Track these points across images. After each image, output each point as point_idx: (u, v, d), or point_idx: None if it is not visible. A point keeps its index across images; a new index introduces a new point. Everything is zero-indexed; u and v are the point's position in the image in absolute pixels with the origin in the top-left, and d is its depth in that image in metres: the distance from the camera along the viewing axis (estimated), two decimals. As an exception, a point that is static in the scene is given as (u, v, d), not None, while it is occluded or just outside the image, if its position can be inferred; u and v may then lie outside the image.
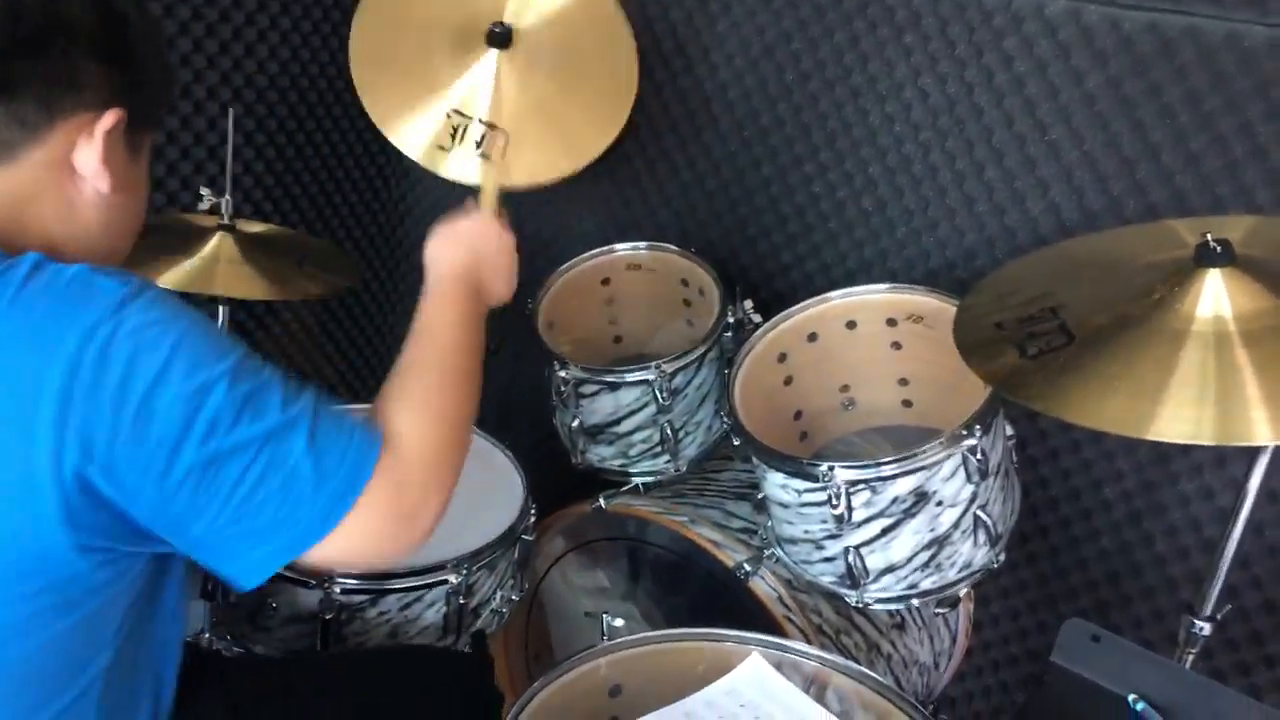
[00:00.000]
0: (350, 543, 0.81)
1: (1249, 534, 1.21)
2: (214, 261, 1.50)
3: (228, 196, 1.54)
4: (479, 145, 1.45)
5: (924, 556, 1.29)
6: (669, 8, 1.88)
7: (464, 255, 1.13)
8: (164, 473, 0.75)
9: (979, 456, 1.24)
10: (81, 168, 0.84)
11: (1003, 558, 1.32)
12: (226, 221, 1.54)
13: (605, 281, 1.76)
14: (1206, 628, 1.23)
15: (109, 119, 0.84)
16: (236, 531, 0.78)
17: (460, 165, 1.51)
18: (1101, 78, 1.50)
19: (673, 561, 1.57)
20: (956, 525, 1.28)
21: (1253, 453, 1.18)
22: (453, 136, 1.52)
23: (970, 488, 1.27)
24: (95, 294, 0.76)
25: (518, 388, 2.21)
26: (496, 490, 1.47)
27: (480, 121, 1.48)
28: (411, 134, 1.55)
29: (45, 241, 0.84)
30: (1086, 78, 1.51)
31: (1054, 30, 1.52)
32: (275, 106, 2.00)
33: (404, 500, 0.84)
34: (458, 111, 1.53)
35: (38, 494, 0.73)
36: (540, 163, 1.54)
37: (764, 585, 1.43)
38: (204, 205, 1.52)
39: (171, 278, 1.45)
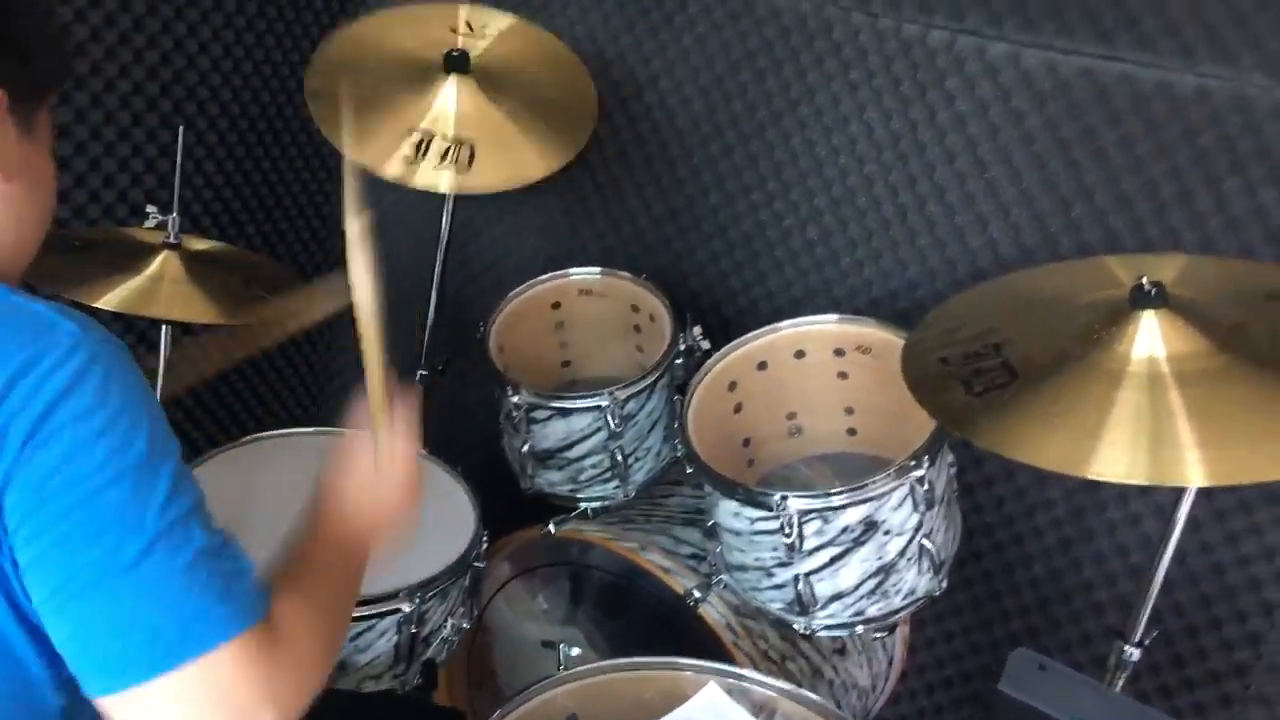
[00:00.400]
0: (169, 701, 0.73)
1: (1173, 561, 1.27)
2: (158, 281, 1.47)
3: (174, 214, 1.51)
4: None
5: (871, 584, 1.32)
6: (619, 34, 1.90)
7: (368, 509, 1.02)
8: (42, 518, 0.71)
9: (925, 487, 1.28)
10: None
11: (945, 584, 1.36)
12: (173, 240, 1.51)
13: (556, 305, 1.76)
14: (1136, 653, 1.28)
15: None
16: (75, 622, 0.73)
17: (428, 176, 1.53)
18: (1039, 119, 1.57)
19: (620, 587, 1.58)
20: (902, 553, 1.31)
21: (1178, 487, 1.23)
22: (417, 150, 1.54)
23: (916, 516, 1.30)
24: (50, 329, 0.73)
25: (460, 408, 2.20)
26: (447, 516, 1.46)
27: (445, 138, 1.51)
28: (377, 156, 1.55)
29: None
30: (1025, 119, 1.58)
31: (995, 72, 1.58)
32: (225, 133, 1.98)
33: (248, 687, 0.75)
34: (420, 129, 1.55)
35: None
36: (501, 172, 1.56)
37: (713, 612, 1.45)
38: (150, 223, 1.49)
39: (114, 297, 1.42)
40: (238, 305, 1.51)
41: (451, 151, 1.54)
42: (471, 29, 1.67)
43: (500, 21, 1.72)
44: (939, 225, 1.68)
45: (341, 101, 1.17)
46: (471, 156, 1.55)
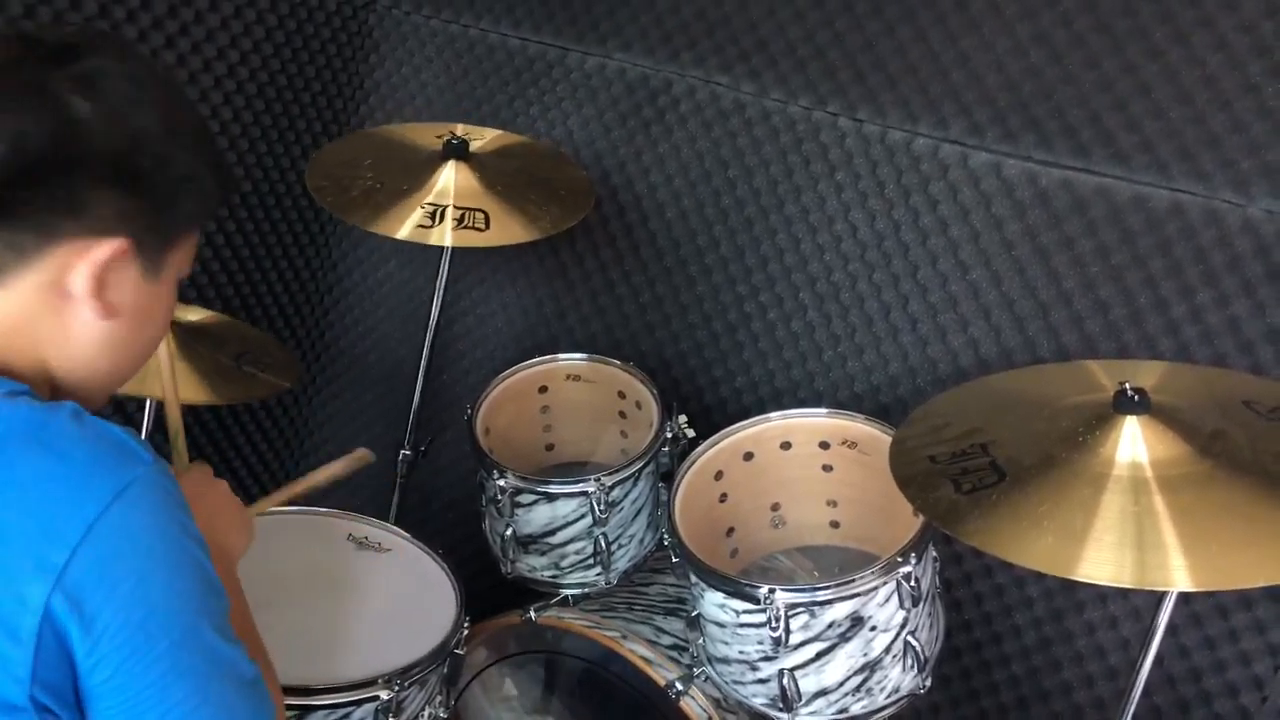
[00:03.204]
0: None
1: (1151, 665, 1.28)
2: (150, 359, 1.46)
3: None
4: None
5: (856, 681, 1.32)
6: (611, 128, 1.95)
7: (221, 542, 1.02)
8: (131, 658, 0.73)
9: (912, 583, 1.29)
10: (73, 292, 0.80)
11: (929, 682, 1.36)
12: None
13: (543, 389, 1.77)
14: (1118, 758, 1.28)
15: (106, 249, 0.79)
16: None
17: (445, 236, 1.59)
18: (1019, 226, 1.62)
19: (600, 676, 1.56)
20: (888, 650, 1.31)
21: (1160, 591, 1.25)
22: (432, 218, 1.59)
23: (902, 613, 1.31)
24: (132, 456, 0.75)
25: (439, 489, 2.19)
26: (428, 601, 1.44)
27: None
28: (391, 227, 1.60)
29: (40, 367, 0.81)
30: (1006, 225, 1.63)
31: (977, 180, 1.64)
32: (228, 195, 1.99)
33: None
34: (429, 203, 1.60)
35: (14, 636, 0.70)
36: (501, 230, 1.62)
37: (694, 705, 1.44)
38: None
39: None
40: (227, 381, 1.50)
41: (467, 217, 1.59)
42: (467, 135, 1.74)
43: (491, 133, 1.80)
44: (921, 323, 1.72)
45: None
46: (487, 220, 1.60)
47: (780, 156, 1.82)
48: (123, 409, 1.88)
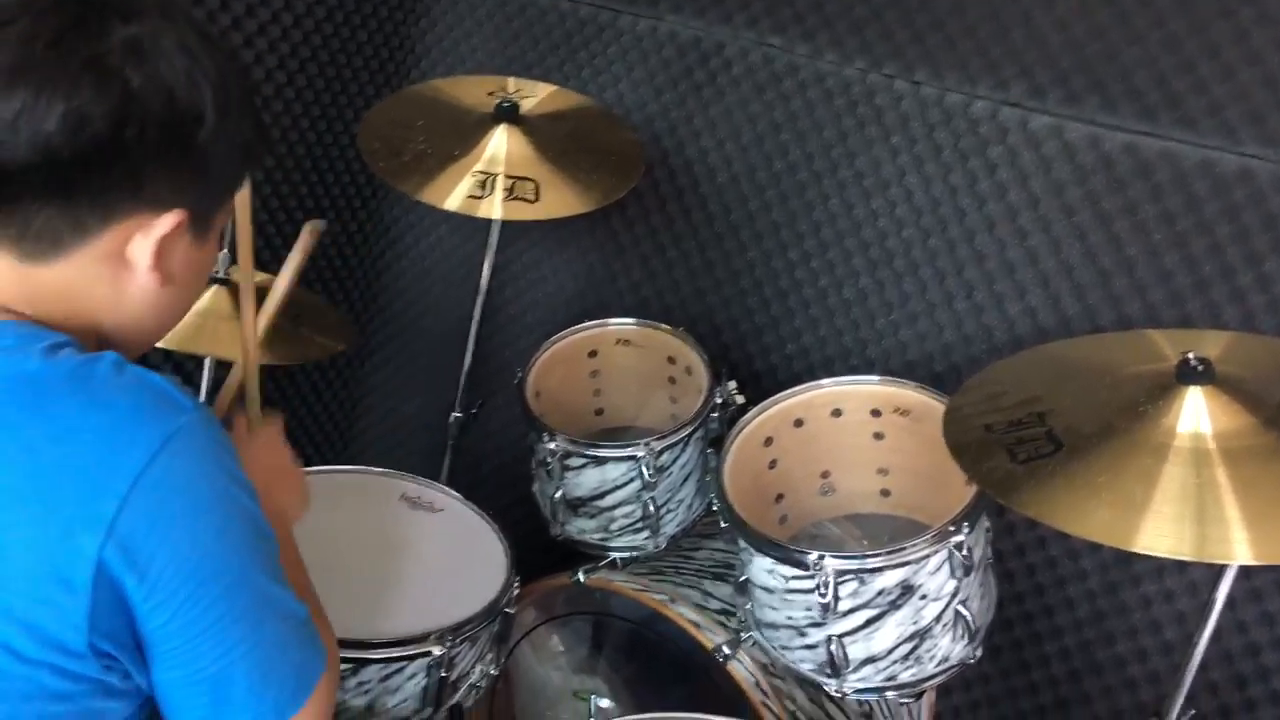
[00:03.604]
0: None
1: (1208, 639, 1.26)
2: (206, 316, 1.48)
3: (225, 251, 1.54)
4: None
5: (905, 649, 1.31)
6: (663, 91, 1.93)
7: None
8: (186, 603, 0.75)
9: (964, 553, 1.28)
10: (134, 262, 0.81)
11: (980, 652, 1.35)
12: (222, 275, 1.53)
13: (592, 354, 1.78)
14: (1172, 731, 1.27)
15: (167, 223, 0.80)
16: (201, 696, 0.78)
17: (495, 208, 1.58)
18: (1081, 191, 1.58)
19: (646, 638, 1.57)
20: (938, 619, 1.31)
21: (1219, 564, 1.23)
22: (483, 187, 1.58)
23: (954, 583, 1.30)
24: (176, 404, 0.76)
25: (489, 452, 2.21)
26: (478, 560, 1.46)
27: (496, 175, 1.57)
28: (441, 195, 1.59)
29: (92, 327, 0.82)
30: (1066, 190, 1.59)
31: (1037, 143, 1.60)
32: (272, 171, 2.01)
33: (330, 707, 0.86)
34: (478, 171, 1.59)
35: (69, 585, 0.71)
36: (551, 205, 1.60)
37: (742, 669, 1.44)
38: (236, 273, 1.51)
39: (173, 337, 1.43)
40: (284, 343, 1.52)
41: (517, 187, 1.57)
42: (518, 93, 1.72)
43: (545, 89, 1.78)
44: (977, 291, 1.69)
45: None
46: (537, 191, 1.58)
47: (834, 120, 1.79)
48: (181, 368, 1.91)
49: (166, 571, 0.73)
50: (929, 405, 1.45)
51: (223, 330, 1.49)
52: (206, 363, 1.61)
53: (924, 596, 1.29)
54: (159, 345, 1.43)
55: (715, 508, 1.43)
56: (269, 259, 2.08)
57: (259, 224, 2.05)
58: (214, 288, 1.53)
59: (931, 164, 1.71)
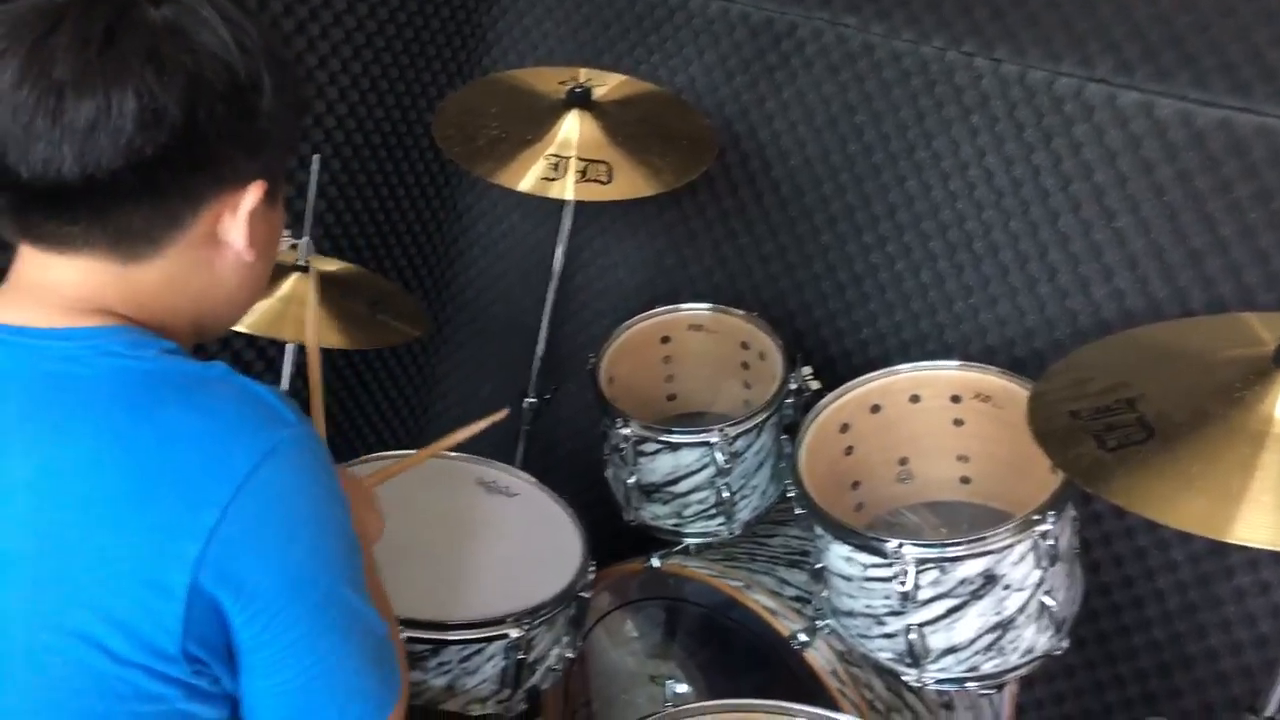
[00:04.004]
0: None
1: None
2: (288, 303, 1.51)
3: (307, 238, 1.56)
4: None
5: (987, 639, 1.29)
6: (735, 74, 1.91)
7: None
8: (279, 614, 0.75)
9: (1050, 542, 1.25)
10: (229, 242, 0.82)
11: (1066, 644, 1.32)
12: (303, 263, 1.56)
13: (665, 339, 1.77)
14: (1268, 728, 1.22)
15: (253, 197, 0.81)
16: (285, 707, 0.78)
17: (568, 189, 1.58)
18: (1171, 170, 1.53)
19: (721, 625, 1.56)
20: (1022, 609, 1.28)
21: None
22: (555, 170, 1.58)
23: (1038, 573, 1.27)
24: (279, 417, 0.77)
25: (563, 437, 2.22)
26: (554, 545, 1.47)
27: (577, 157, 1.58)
28: (514, 178, 1.60)
29: (194, 314, 0.84)
30: (1156, 169, 1.54)
31: (1125, 121, 1.55)
32: (349, 160, 2.04)
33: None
34: (551, 154, 1.60)
35: (166, 590, 0.72)
36: (623, 187, 1.60)
37: (818, 657, 1.43)
38: (284, 246, 1.54)
39: (245, 320, 1.46)
40: (361, 328, 1.55)
41: (590, 169, 1.57)
42: (590, 82, 1.72)
43: (615, 78, 1.77)
44: (1061, 273, 1.65)
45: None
46: (610, 173, 1.58)
47: (911, 100, 1.75)
48: (264, 353, 1.96)
49: (262, 583, 0.74)
50: (1011, 391, 1.42)
51: (303, 316, 1.52)
52: (288, 348, 1.64)
53: (1007, 586, 1.26)
54: (242, 330, 1.48)
55: (790, 494, 1.41)
56: (346, 247, 2.12)
57: (337, 213, 2.08)
58: (295, 274, 1.56)
59: (1013, 144, 1.66)
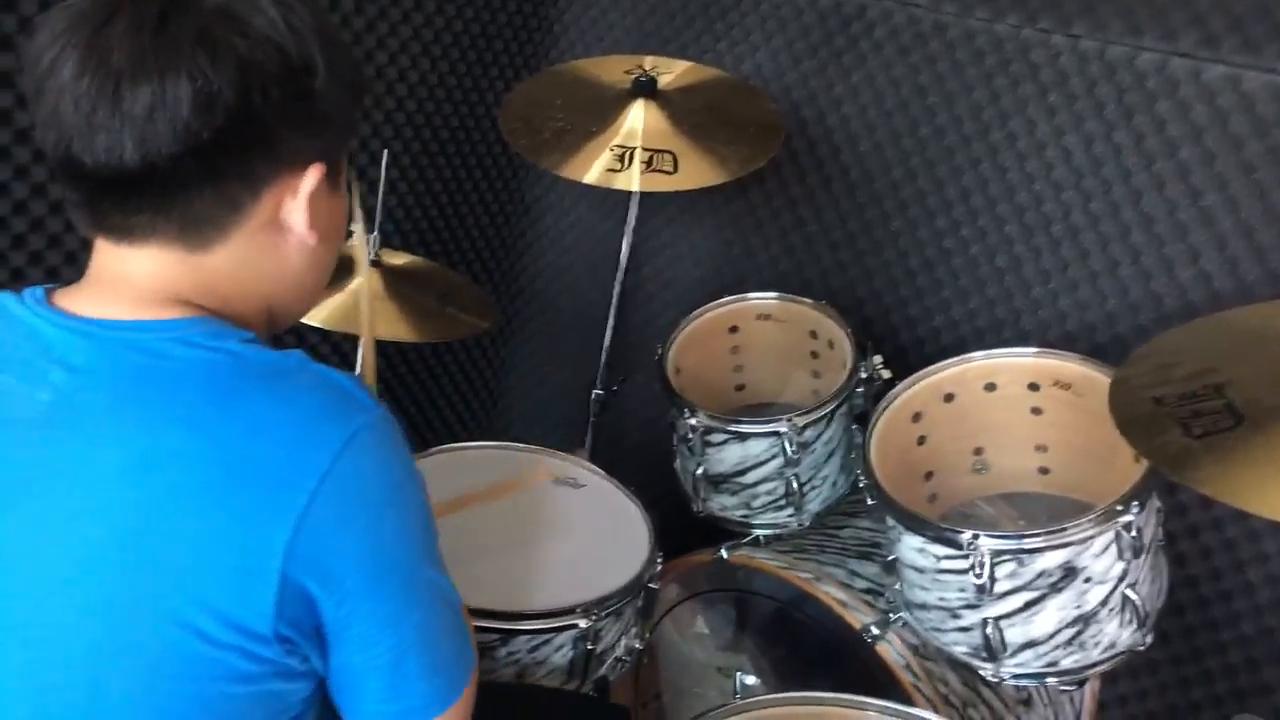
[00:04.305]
0: None
1: None
2: (361, 297, 1.53)
3: (376, 232, 1.58)
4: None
5: (1067, 634, 1.25)
6: (802, 59, 1.88)
7: None
8: (367, 594, 0.77)
9: (1133, 534, 1.20)
10: (292, 226, 0.83)
11: (1149, 639, 1.27)
12: (372, 257, 1.58)
13: (733, 329, 1.76)
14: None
15: (312, 179, 0.81)
16: (376, 681, 0.80)
17: (633, 180, 1.57)
18: (1261, 146, 1.46)
19: (791, 617, 1.55)
20: (1104, 603, 1.24)
21: None
22: (621, 160, 1.57)
23: (1121, 565, 1.22)
24: (358, 403, 0.78)
25: (630, 428, 2.22)
26: (621, 536, 1.46)
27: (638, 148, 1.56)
28: (580, 170, 1.59)
29: (265, 302, 0.85)
30: (1245, 145, 1.47)
31: (1211, 96, 1.49)
32: (418, 155, 2.07)
33: (472, 705, 0.87)
34: (617, 145, 1.59)
35: (258, 575, 0.73)
36: (690, 176, 1.58)
37: (891, 650, 1.40)
38: (353, 240, 1.56)
39: (319, 313, 1.49)
40: (430, 321, 1.56)
41: (655, 159, 1.57)
42: (655, 70, 1.71)
43: (681, 65, 1.76)
44: (1144, 256, 1.59)
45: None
46: (675, 163, 1.57)
47: (985, 80, 1.70)
48: (339, 348, 1.99)
49: (349, 564, 0.75)
50: (1092, 378, 1.37)
51: (376, 310, 1.54)
52: (361, 343, 1.66)
53: (1089, 579, 1.22)
54: (316, 325, 1.50)
55: (861, 485, 1.39)
56: (416, 242, 2.14)
57: (406, 208, 2.11)
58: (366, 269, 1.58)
59: (1093, 122, 1.61)
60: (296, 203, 0.82)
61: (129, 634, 0.73)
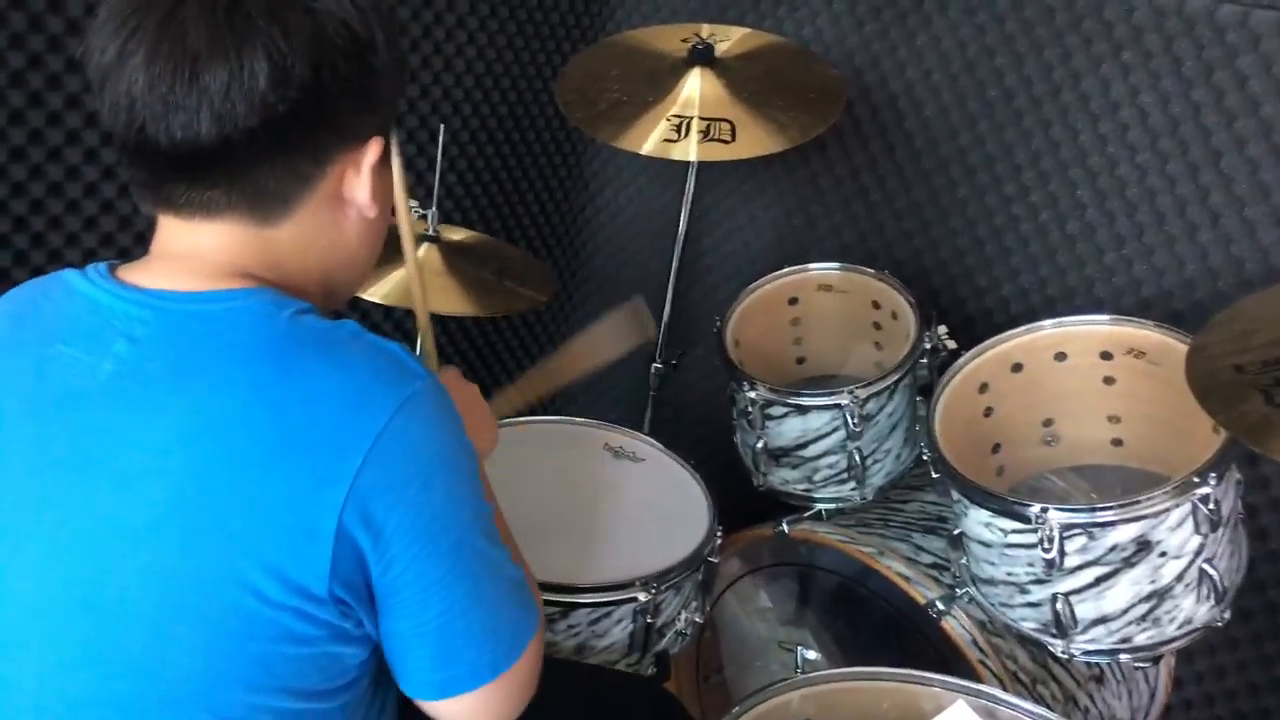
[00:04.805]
0: (482, 703, 0.83)
1: None
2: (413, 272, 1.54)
3: (434, 209, 1.59)
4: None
5: (1141, 609, 1.21)
6: (864, 22, 1.84)
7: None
8: (416, 559, 0.77)
9: (1210, 507, 1.16)
10: (354, 199, 0.85)
11: (1228, 615, 1.23)
12: (432, 233, 1.59)
13: (793, 301, 1.73)
14: None
15: (373, 153, 0.84)
16: (424, 648, 0.81)
17: (690, 150, 1.55)
18: (1352, 100, 1.39)
19: (854, 592, 1.53)
20: (1180, 578, 1.19)
21: None
22: (678, 131, 1.55)
23: (1198, 539, 1.18)
24: (409, 371, 0.79)
25: (690, 402, 2.21)
26: (681, 510, 1.46)
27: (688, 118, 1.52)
28: (637, 141, 1.58)
29: (323, 275, 0.87)
30: (1335, 99, 1.40)
31: (1298, 48, 1.41)
32: (477, 131, 2.07)
33: (533, 675, 0.88)
34: (674, 115, 1.57)
35: (314, 535, 0.74)
36: (748, 145, 1.56)
37: (957, 626, 1.38)
38: (399, 213, 1.57)
39: (379, 290, 1.50)
40: (489, 295, 1.57)
41: (713, 128, 1.54)
42: (713, 37, 1.68)
43: (739, 32, 1.72)
44: (1224, 219, 1.52)
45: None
46: (733, 131, 1.54)
47: (1055, 39, 1.64)
48: (401, 325, 2.01)
49: (400, 527, 0.76)
50: (1169, 345, 1.32)
51: (434, 286, 1.55)
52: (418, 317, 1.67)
53: (1164, 554, 1.18)
54: (377, 301, 1.52)
55: (926, 458, 1.36)
56: (476, 220, 2.15)
57: (465, 184, 2.11)
58: (424, 245, 1.59)
59: (1170, 80, 1.54)
60: (359, 176, 0.84)
61: (190, 596, 0.74)
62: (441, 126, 1.61)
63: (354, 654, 0.81)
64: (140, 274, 0.82)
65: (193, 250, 0.81)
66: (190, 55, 0.75)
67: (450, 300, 1.55)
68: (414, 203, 1.60)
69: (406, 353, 0.80)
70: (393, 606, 0.78)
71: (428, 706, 0.84)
